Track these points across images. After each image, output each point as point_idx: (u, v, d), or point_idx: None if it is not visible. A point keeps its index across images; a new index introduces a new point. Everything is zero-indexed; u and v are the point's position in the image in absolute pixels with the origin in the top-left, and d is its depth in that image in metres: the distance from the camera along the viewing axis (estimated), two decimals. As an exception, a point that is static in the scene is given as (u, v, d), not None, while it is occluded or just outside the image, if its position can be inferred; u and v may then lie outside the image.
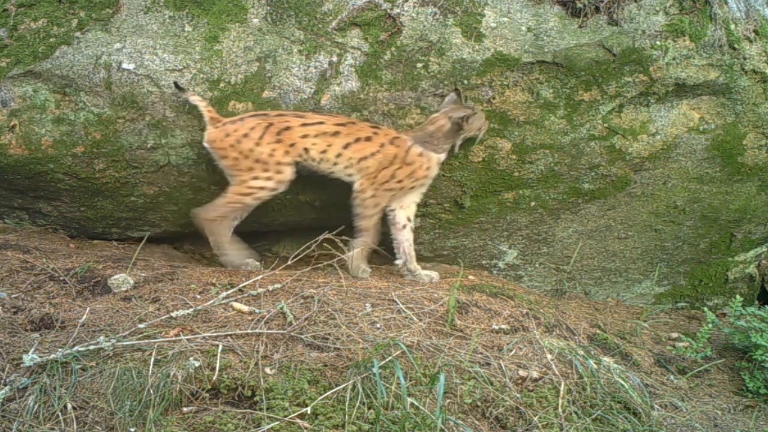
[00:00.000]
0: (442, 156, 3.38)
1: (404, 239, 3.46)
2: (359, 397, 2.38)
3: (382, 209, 3.37)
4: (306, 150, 3.23)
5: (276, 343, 2.63)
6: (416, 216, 3.88)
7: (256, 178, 3.20)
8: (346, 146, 3.23)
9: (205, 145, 3.25)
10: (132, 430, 2.22)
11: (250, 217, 3.85)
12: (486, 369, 2.70)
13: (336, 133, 3.22)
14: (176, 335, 2.58)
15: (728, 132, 3.69)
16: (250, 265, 3.36)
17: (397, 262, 3.49)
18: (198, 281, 3.07)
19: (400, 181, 3.30)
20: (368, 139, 3.25)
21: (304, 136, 3.20)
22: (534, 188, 3.72)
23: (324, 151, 3.23)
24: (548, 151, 3.59)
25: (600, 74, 3.40)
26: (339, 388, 2.41)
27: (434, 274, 3.49)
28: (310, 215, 3.82)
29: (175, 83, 3.22)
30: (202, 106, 3.21)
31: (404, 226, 3.45)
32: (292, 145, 3.21)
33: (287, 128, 3.19)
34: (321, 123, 3.22)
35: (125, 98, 3.27)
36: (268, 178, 3.20)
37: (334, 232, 3.05)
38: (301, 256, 3.17)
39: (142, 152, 3.41)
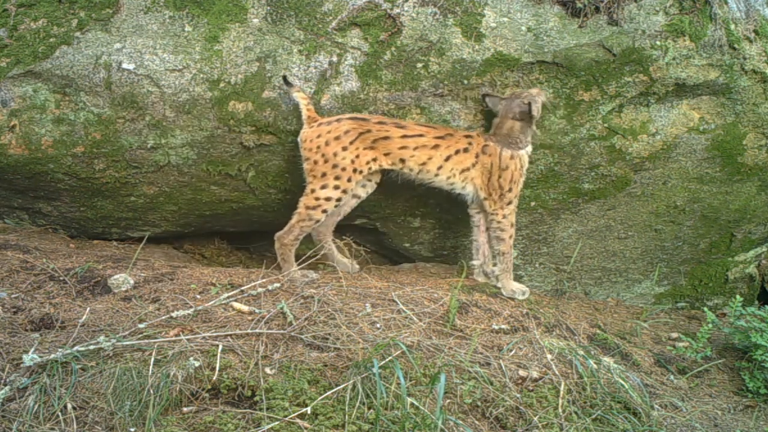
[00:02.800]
0: (529, 148, 3.41)
1: (484, 241, 3.51)
2: (359, 397, 2.38)
3: (515, 227, 3.43)
4: (402, 161, 3.25)
5: (276, 343, 2.63)
6: (417, 217, 3.89)
7: (324, 187, 3.19)
8: (447, 159, 3.28)
9: (298, 141, 3.26)
10: (132, 430, 2.23)
11: (249, 217, 3.86)
12: (486, 369, 2.70)
13: (436, 146, 3.25)
14: (176, 335, 2.58)
15: (728, 132, 3.69)
16: (309, 276, 3.32)
17: (474, 262, 3.54)
18: (198, 281, 3.07)
19: (510, 190, 3.34)
20: (466, 150, 3.30)
21: (403, 148, 3.23)
22: (534, 188, 3.72)
23: (424, 163, 3.27)
24: (548, 151, 3.59)
25: (600, 74, 3.40)
26: (339, 388, 2.41)
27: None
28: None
29: (284, 77, 3.22)
30: (303, 104, 3.22)
31: (487, 229, 3.49)
32: (387, 154, 3.24)
33: (386, 138, 3.21)
34: (421, 135, 3.24)
35: (125, 98, 3.26)
36: (336, 187, 3.19)
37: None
38: (304, 258, 3.18)
39: (142, 152, 3.41)
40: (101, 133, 3.34)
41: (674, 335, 3.71)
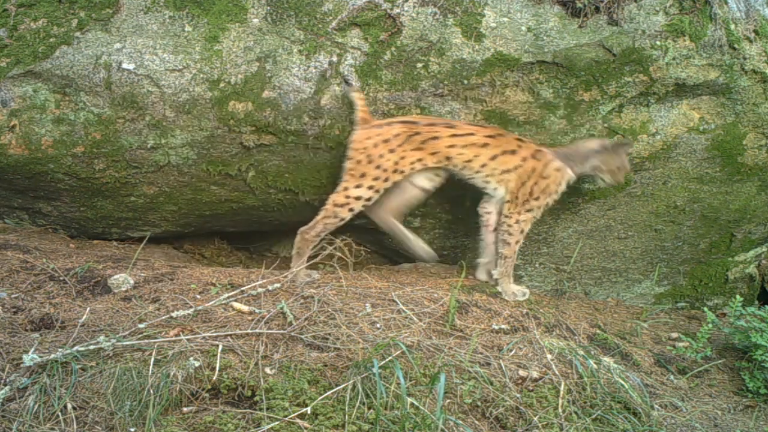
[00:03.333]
0: (574, 177, 3.40)
1: (491, 241, 3.49)
2: (359, 397, 2.38)
3: (525, 235, 3.39)
4: (448, 158, 3.27)
5: (276, 343, 2.63)
6: (417, 217, 3.89)
7: (359, 186, 3.21)
8: (492, 158, 3.28)
9: (348, 141, 3.28)
10: (132, 430, 2.23)
11: (249, 217, 3.86)
12: (486, 369, 2.70)
13: (485, 145, 3.26)
14: (176, 335, 2.58)
15: (728, 132, 3.69)
16: (312, 276, 3.33)
17: (480, 261, 3.51)
18: (198, 281, 3.07)
19: (537, 198, 3.33)
20: (513, 152, 3.30)
21: (451, 146, 3.24)
22: (534, 188, 3.72)
23: (469, 161, 3.28)
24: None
25: (600, 74, 3.40)
26: (339, 388, 2.41)
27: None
28: (310, 215, 3.82)
29: (344, 77, 3.25)
30: (360, 105, 3.24)
31: (495, 230, 3.47)
32: (433, 153, 3.25)
33: (435, 138, 3.23)
34: (471, 134, 3.26)
35: (125, 98, 3.26)
36: (371, 188, 3.21)
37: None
38: (305, 257, 3.18)
39: (142, 152, 3.41)
40: (101, 133, 3.34)
41: (674, 335, 3.71)
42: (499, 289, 3.46)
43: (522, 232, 3.38)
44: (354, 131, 3.25)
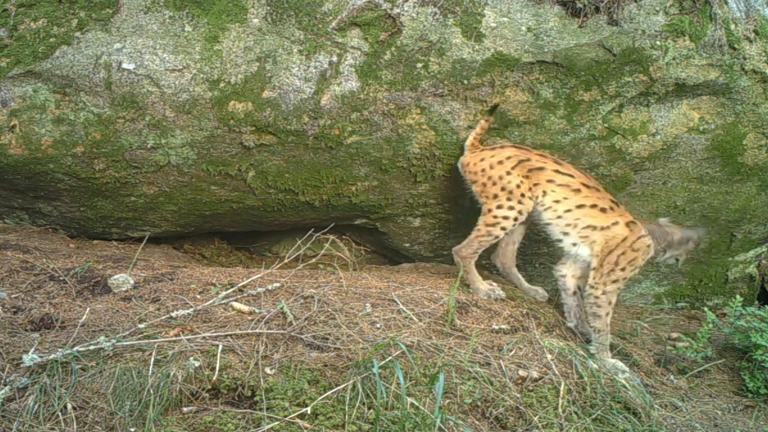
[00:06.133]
0: (653, 255, 3.34)
1: (574, 304, 3.40)
2: (359, 397, 2.38)
3: (613, 305, 3.25)
4: (544, 193, 3.26)
5: (276, 343, 2.64)
6: (417, 217, 3.89)
7: (500, 207, 3.25)
8: (578, 206, 3.23)
9: (459, 167, 3.40)
10: (132, 430, 2.23)
11: (249, 217, 3.86)
12: (486, 369, 2.70)
13: (577, 191, 3.23)
14: (176, 335, 2.58)
15: (728, 132, 3.69)
16: (495, 292, 3.38)
17: (569, 324, 3.40)
18: (198, 281, 3.07)
19: (623, 269, 3.21)
20: (603, 210, 3.23)
21: (550, 181, 3.25)
22: (534, 188, 3.72)
23: (557, 201, 3.24)
24: (548, 152, 3.58)
25: (600, 74, 3.40)
26: (339, 388, 2.42)
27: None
28: (310, 215, 3.83)
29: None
30: (475, 133, 3.39)
31: (574, 293, 3.40)
32: (536, 184, 3.26)
33: (540, 168, 3.25)
34: (571, 176, 3.25)
35: (125, 98, 3.26)
36: (511, 208, 3.24)
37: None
38: (296, 255, 3.18)
39: (142, 152, 3.41)
40: (101, 133, 3.34)
41: (674, 335, 3.71)
42: (595, 365, 3.23)
43: (610, 303, 3.21)
44: (462, 156, 3.38)
